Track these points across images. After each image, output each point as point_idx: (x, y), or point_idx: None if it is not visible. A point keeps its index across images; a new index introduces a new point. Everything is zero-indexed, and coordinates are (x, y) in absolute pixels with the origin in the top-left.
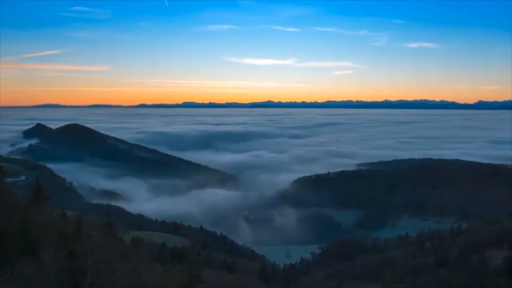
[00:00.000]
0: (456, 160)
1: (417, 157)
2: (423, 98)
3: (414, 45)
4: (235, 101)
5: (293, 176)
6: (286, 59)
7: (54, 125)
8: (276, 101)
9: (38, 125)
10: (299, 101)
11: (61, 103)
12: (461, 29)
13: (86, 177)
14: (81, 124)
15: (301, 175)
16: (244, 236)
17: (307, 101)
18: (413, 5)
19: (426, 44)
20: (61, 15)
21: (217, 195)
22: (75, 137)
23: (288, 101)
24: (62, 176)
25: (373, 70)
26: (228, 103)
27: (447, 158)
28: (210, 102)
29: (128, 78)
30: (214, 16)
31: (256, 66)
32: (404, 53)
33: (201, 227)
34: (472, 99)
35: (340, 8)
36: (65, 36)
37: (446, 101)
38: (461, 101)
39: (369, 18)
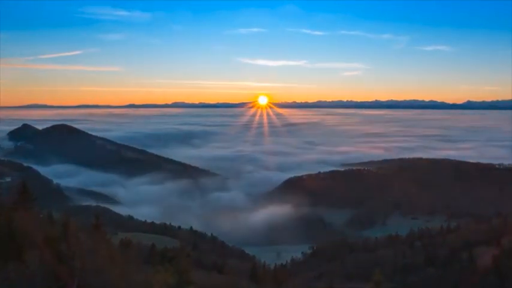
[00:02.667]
0: (445, 159)
1: (407, 157)
2: (413, 98)
3: (430, 48)
4: (227, 101)
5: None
6: (299, 60)
7: (40, 126)
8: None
9: (24, 125)
10: (290, 101)
11: (48, 103)
12: (455, 31)
13: (73, 179)
14: (68, 124)
15: (289, 176)
16: (234, 236)
17: (298, 101)
18: (431, 6)
19: (440, 47)
20: (85, 18)
21: (207, 195)
22: (62, 138)
23: (281, 101)
24: (48, 177)
25: (380, 71)
26: (218, 103)
27: (436, 157)
28: (200, 103)
29: (133, 78)
30: (248, 19)
31: (266, 67)
32: (419, 56)
33: (191, 228)
34: (461, 99)
35: (368, 12)
36: (88, 38)
37: (435, 101)
38: (451, 101)
39: (393, 23)
